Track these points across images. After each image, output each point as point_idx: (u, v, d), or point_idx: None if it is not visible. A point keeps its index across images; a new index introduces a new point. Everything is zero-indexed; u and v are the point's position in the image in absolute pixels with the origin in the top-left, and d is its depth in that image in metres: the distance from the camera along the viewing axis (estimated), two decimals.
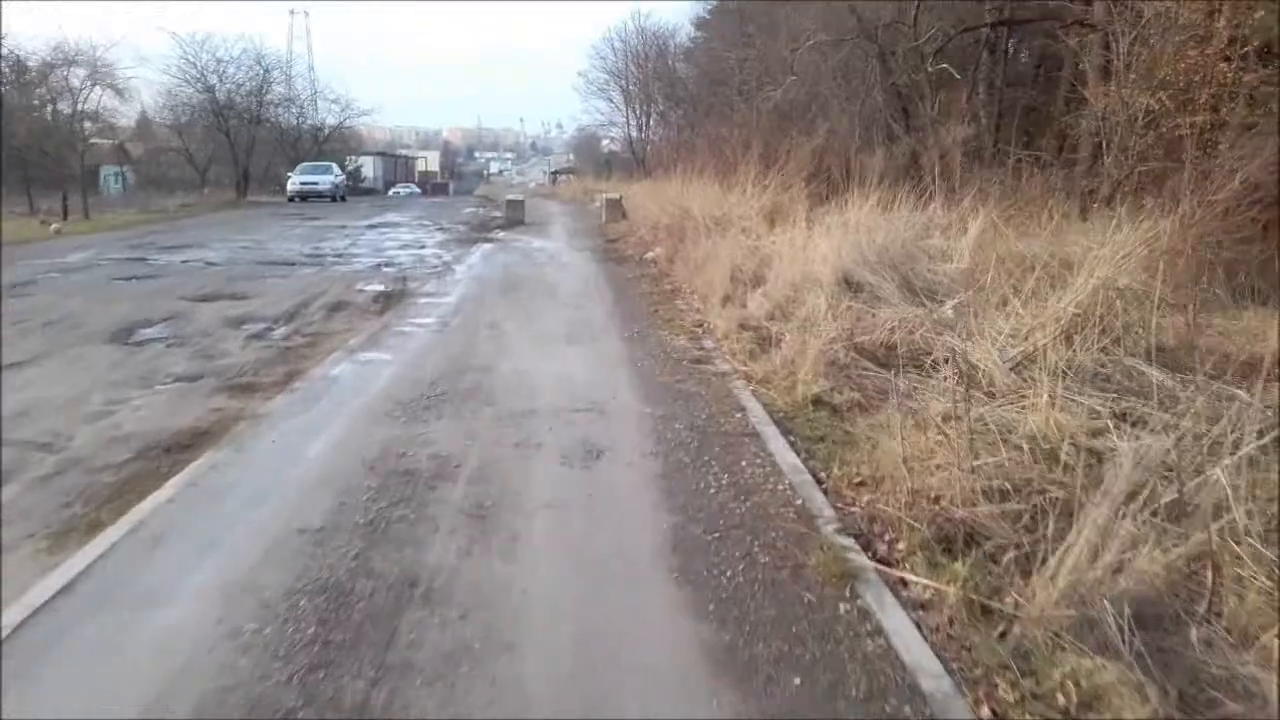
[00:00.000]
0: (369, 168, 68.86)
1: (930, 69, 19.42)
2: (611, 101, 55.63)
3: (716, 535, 3.70)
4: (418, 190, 73.31)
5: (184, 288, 11.39)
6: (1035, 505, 3.56)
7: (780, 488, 4.22)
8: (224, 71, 38.51)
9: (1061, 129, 17.96)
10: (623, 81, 54.92)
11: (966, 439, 4.36)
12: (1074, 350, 6.77)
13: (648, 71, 51.85)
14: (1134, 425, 5.17)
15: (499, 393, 6.06)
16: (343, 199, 37.44)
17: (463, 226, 22.51)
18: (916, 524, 3.56)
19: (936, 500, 3.69)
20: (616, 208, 22.58)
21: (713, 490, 4.20)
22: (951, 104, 19.63)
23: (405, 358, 7.24)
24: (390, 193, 67.83)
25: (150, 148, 51.07)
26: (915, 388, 6.43)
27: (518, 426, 5.27)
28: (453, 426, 5.26)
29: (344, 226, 21.90)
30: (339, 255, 15.34)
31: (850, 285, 10.02)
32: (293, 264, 14.08)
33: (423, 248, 17.03)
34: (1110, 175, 13.51)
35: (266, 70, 40.64)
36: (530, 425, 5.30)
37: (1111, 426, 4.92)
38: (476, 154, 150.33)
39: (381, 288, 11.48)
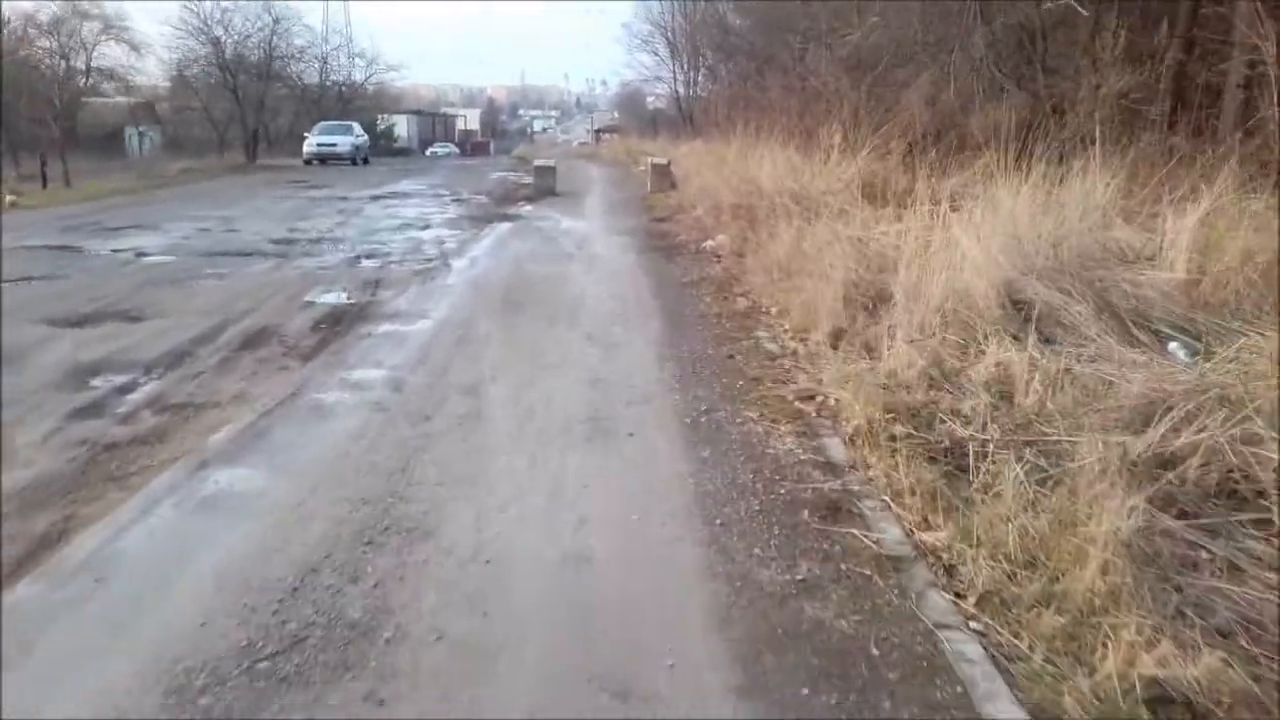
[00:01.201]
0: (403, 127, 65.77)
1: (1053, 3, 15.64)
2: (657, 55, 51.67)
3: None
4: (456, 150, 70.31)
5: (75, 297, 8.22)
6: None
7: None
8: (229, 21, 35.07)
9: (1183, 82, 14.19)
10: (669, 33, 50.83)
11: None
12: None
13: (695, 21, 47.71)
14: None
15: (422, 644, 2.75)
16: (365, 161, 34.19)
17: (484, 197, 19.15)
18: None
19: None
20: (664, 175, 19.09)
21: None
22: (1068, 49, 15.91)
23: (284, 492, 3.92)
24: (428, 153, 64.83)
25: (175, 105, 48.28)
26: None
27: None
28: None
29: (345, 198, 18.64)
30: (314, 241, 12.09)
31: (1018, 306, 6.63)
32: (248, 254, 10.86)
33: (425, 228, 13.73)
34: None
35: (276, 20, 37.06)
36: None
37: None
38: (521, 111, 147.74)
39: (340, 298, 8.22)
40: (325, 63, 42.84)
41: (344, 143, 32.67)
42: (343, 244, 11.89)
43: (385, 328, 7.06)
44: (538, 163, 20.45)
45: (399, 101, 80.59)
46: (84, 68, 42.97)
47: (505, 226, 13.74)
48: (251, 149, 33.85)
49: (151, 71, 43.16)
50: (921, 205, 8.91)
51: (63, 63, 42.08)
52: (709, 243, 10.77)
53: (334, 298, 8.31)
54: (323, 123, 35.14)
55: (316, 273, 9.69)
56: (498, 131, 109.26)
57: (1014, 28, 17.75)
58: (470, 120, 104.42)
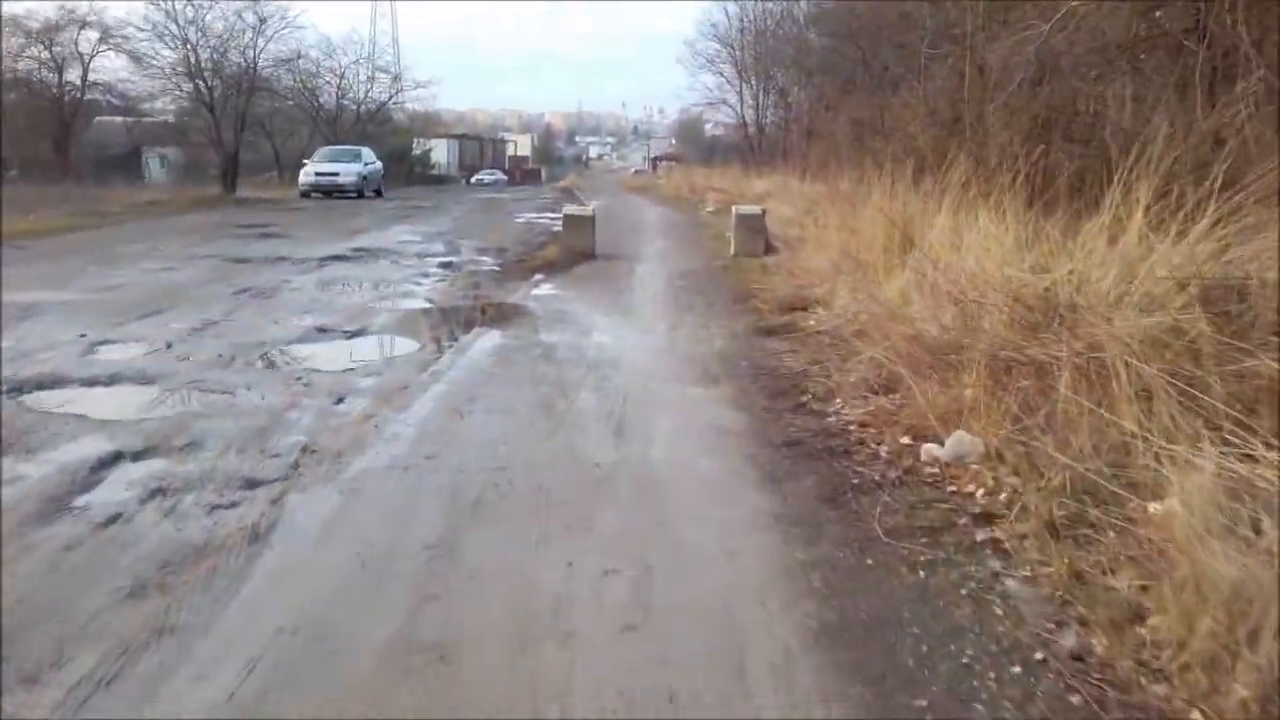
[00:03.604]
0: (442, 153, 60.40)
1: None
2: (722, 75, 45.57)
3: None
4: (504, 178, 65.06)
5: None
6: None
7: None
8: (202, 21, 29.32)
9: None
10: (736, 52, 44.62)
11: None
12: None
13: (767, 38, 41.33)
14: None
15: None
16: (377, 194, 28.45)
17: (489, 259, 13.03)
18: None
19: None
20: (755, 232, 12.82)
21: None
22: None
23: None
24: (473, 180, 59.50)
25: (187, 125, 43.34)
26: None
27: None
28: None
29: (285, 258, 12.63)
30: (110, 376, 6.00)
31: None
32: None
33: (351, 337, 7.61)
34: None
35: (262, 20, 31.26)
36: None
37: None
38: (577, 138, 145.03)
39: None
40: (343, 78, 37.01)
41: (347, 172, 26.91)
42: (152, 389, 5.80)
43: None
44: (569, 210, 14.19)
45: (451, 126, 75.19)
46: (79, 82, 37.89)
47: (490, 342, 7.48)
48: (230, 177, 28.12)
49: (147, 86, 37.80)
50: None
51: (54, 76, 37.15)
52: (935, 451, 4.40)
53: None
54: (325, 148, 29.42)
55: None
56: (553, 158, 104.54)
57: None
58: (521, 146, 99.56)
